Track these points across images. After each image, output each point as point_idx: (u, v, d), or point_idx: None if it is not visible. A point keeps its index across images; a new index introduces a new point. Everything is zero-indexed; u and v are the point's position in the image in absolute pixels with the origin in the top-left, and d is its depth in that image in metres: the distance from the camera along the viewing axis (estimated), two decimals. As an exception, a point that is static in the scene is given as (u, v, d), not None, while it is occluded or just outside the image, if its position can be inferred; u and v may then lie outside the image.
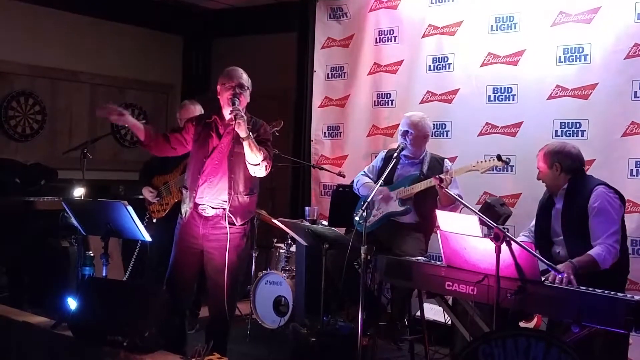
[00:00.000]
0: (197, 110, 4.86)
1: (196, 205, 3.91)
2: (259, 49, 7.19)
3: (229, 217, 3.86)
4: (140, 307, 3.67)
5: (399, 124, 4.50)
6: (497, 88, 5.08)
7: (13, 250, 5.49)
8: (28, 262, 5.54)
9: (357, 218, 3.67)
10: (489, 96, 5.12)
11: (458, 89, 5.27)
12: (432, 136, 5.03)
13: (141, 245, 5.30)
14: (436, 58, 5.40)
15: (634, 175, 4.46)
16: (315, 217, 5.35)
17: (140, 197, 5.14)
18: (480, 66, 5.16)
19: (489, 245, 3.16)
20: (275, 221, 4.64)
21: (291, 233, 4.65)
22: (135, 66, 7.24)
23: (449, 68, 5.34)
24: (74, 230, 5.09)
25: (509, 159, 4.85)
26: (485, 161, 4.04)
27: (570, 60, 4.76)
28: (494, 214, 4.15)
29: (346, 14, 6.01)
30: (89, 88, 6.92)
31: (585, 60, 4.70)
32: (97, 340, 3.67)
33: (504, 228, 3.36)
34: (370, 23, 5.81)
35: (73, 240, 5.38)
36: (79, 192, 5.22)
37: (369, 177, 4.56)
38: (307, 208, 5.48)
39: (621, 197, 3.61)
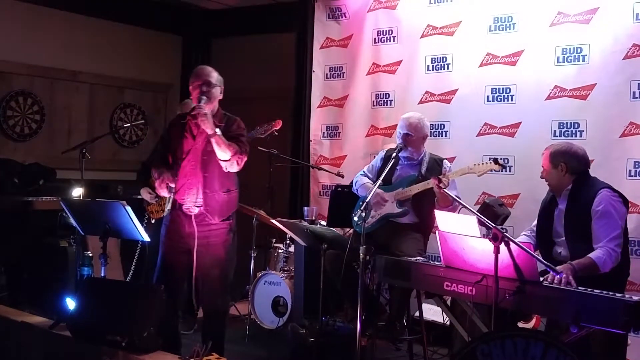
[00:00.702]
0: None
1: (180, 205, 3.95)
2: (258, 49, 7.19)
3: (206, 215, 3.92)
4: (139, 307, 3.67)
5: (397, 124, 4.50)
6: (496, 88, 5.08)
7: (11, 250, 5.49)
8: (26, 262, 5.54)
9: (355, 219, 3.67)
10: (488, 96, 5.12)
11: (457, 89, 5.28)
12: (430, 136, 5.03)
13: (141, 246, 5.30)
14: (435, 58, 5.41)
15: (632, 176, 4.47)
16: (314, 218, 5.35)
17: (139, 197, 5.14)
18: (479, 66, 5.16)
19: (487, 245, 3.16)
20: (274, 221, 4.64)
21: (290, 233, 4.65)
22: (135, 66, 7.23)
23: (448, 68, 5.34)
24: (72, 230, 5.09)
25: (507, 159, 4.89)
26: (483, 164, 4.04)
27: (569, 60, 4.76)
28: (493, 214, 4.15)
29: (345, 14, 6.01)
30: (88, 88, 6.91)
31: (583, 60, 4.70)
32: (96, 341, 3.67)
33: (502, 228, 3.36)
34: (369, 23, 5.81)
35: (72, 240, 5.38)
36: (77, 192, 5.21)
37: (368, 177, 4.55)
38: (305, 208, 5.48)
39: (625, 201, 3.60)
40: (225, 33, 7.58)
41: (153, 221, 5.00)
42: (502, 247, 3.11)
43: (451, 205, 4.14)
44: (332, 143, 6.08)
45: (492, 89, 5.10)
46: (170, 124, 4.24)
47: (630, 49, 4.51)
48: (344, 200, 4.93)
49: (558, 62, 4.81)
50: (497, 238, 3.09)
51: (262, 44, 7.18)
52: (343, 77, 6.01)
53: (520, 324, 4.08)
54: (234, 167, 3.88)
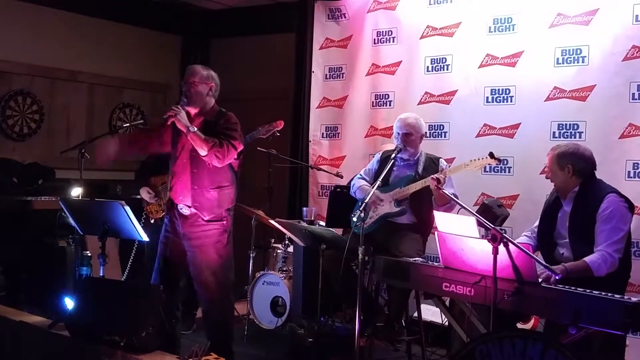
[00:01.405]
0: None
1: (175, 204, 3.97)
2: (257, 49, 7.19)
3: (194, 212, 3.93)
4: (138, 307, 3.67)
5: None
6: (495, 89, 5.08)
7: (10, 250, 5.48)
8: (25, 262, 5.54)
9: (354, 219, 3.67)
10: (487, 97, 5.12)
11: (456, 90, 5.28)
12: (430, 137, 5.06)
13: (138, 246, 5.30)
14: (434, 59, 5.40)
15: (631, 177, 4.46)
16: (312, 218, 5.35)
17: (138, 197, 5.14)
18: (479, 67, 5.16)
19: (486, 246, 3.15)
20: (272, 222, 4.64)
21: (289, 234, 4.65)
22: (134, 66, 7.23)
23: (447, 69, 5.34)
24: (71, 230, 5.09)
25: (506, 160, 4.89)
26: (479, 159, 4.04)
27: (568, 62, 4.76)
28: (492, 215, 4.15)
29: (344, 14, 6.01)
30: (87, 88, 6.91)
31: (583, 62, 4.70)
32: (94, 340, 3.68)
33: (501, 229, 3.36)
34: (368, 24, 5.81)
35: (70, 240, 5.38)
36: (76, 191, 5.21)
37: (365, 179, 4.56)
38: (304, 209, 5.47)
39: (631, 206, 3.58)
40: (224, 33, 7.58)
41: (152, 221, 4.99)
42: (501, 248, 3.10)
43: (448, 203, 4.14)
44: (331, 143, 6.08)
45: (491, 89, 5.10)
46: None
47: (630, 50, 4.51)
48: (342, 200, 4.93)
49: (557, 63, 4.81)
50: (496, 239, 3.09)
51: (261, 44, 7.18)
52: (342, 77, 6.01)
53: (519, 325, 4.08)
54: (214, 161, 3.88)
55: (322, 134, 6.12)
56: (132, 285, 4.43)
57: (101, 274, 4.07)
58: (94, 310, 3.77)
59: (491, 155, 3.94)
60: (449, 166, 4.48)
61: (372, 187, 3.95)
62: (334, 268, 4.15)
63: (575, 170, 3.63)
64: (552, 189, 3.85)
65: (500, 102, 5.06)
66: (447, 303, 3.97)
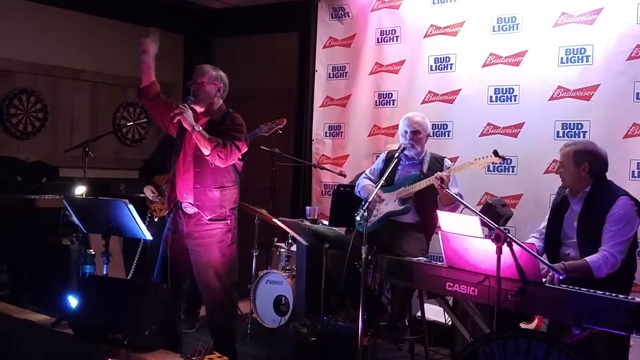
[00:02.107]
0: None
1: (180, 202, 3.97)
2: (261, 48, 7.19)
3: (196, 211, 3.93)
4: (141, 306, 3.67)
5: (399, 125, 4.49)
6: (499, 89, 5.07)
7: (14, 248, 5.50)
8: (29, 260, 5.55)
9: (357, 218, 3.67)
10: (491, 97, 5.11)
11: (460, 90, 5.27)
12: (433, 136, 5.04)
13: (143, 244, 5.31)
14: (438, 58, 5.40)
15: (635, 177, 4.46)
16: (316, 217, 5.35)
17: (142, 195, 5.15)
18: (482, 67, 5.15)
19: (490, 246, 3.15)
20: (276, 220, 4.64)
21: (292, 232, 4.65)
22: (137, 65, 7.19)
23: (451, 68, 5.33)
24: (75, 229, 5.09)
25: (510, 160, 4.88)
26: (483, 158, 4.03)
27: (572, 61, 4.75)
28: (495, 215, 4.15)
29: (348, 13, 6.00)
30: (90, 86, 6.92)
31: (587, 61, 4.69)
32: (98, 339, 3.68)
33: (505, 229, 3.35)
34: (372, 23, 5.80)
35: (74, 238, 5.38)
36: (80, 190, 5.22)
37: (370, 179, 4.56)
38: (307, 208, 5.48)
39: None
40: (227, 32, 7.58)
41: (156, 219, 5.00)
42: (505, 247, 3.10)
43: (453, 203, 4.14)
44: (334, 142, 6.08)
45: (495, 89, 5.09)
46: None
47: (634, 49, 4.50)
48: (346, 199, 4.93)
49: (562, 62, 4.80)
50: (500, 239, 3.09)
51: (264, 44, 7.18)
52: (346, 76, 6.01)
53: (522, 325, 4.07)
54: (217, 161, 3.88)
55: (326, 132, 6.12)
56: (136, 284, 4.44)
57: (105, 273, 4.07)
58: (98, 308, 3.78)
59: (495, 153, 3.93)
60: (453, 165, 4.48)
61: (376, 186, 3.94)
62: (337, 267, 4.15)
63: (590, 169, 3.59)
64: (559, 188, 3.82)
65: (504, 101, 5.05)
66: (451, 302, 3.96)
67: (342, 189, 5.21)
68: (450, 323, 4.12)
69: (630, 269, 3.55)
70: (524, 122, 4.95)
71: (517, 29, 5.01)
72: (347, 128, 5.99)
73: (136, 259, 5.43)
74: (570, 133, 4.73)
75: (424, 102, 5.43)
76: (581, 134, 4.66)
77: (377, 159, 4.81)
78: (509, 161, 4.91)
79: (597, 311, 2.98)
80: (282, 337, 4.90)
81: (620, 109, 4.54)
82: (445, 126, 5.33)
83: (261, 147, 5.35)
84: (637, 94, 4.48)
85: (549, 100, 4.83)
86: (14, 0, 6.22)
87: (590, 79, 4.66)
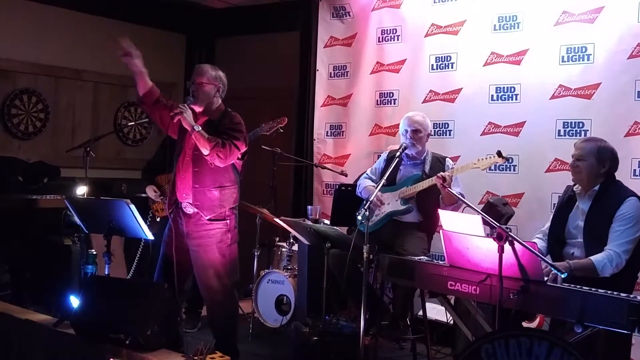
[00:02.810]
0: None
1: (179, 202, 3.97)
2: (262, 47, 7.19)
3: (195, 211, 3.94)
4: (143, 305, 3.67)
5: (400, 124, 4.50)
6: (500, 87, 5.07)
7: (15, 248, 5.50)
8: (30, 260, 5.55)
9: (359, 217, 3.67)
10: (492, 95, 5.11)
11: (461, 89, 5.27)
12: (435, 135, 5.05)
13: (144, 244, 5.31)
14: (439, 57, 5.40)
15: (636, 176, 4.45)
16: (317, 216, 5.35)
17: (143, 195, 5.15)
18: (483, 65, 5.15)
19: (491, 244, 3.15)
20: (277, 220, 4.63)
21: (293, 232, 4.65)
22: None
23: (452, 67, 5.33)
24: (76, 229, 5.10)
25: (511, 159, 4.87)
26: (486, 158, 4.03)
27: (574, 60, 4.75)
28: (497, 214, 4.15)
29: (349, 12, 6.00)
30: (91, 86, 6.92)
31: (588, 60, 4.69)
32: (100, 338, 3.68)
33: (506, 228, 3.35)
34: (373, 22, 5.80)
35: (76, 238, 5.39)
36: (81, 190, 5.22)
37: (371, 179, 4.56)
38: (309, 207, 5.47)
39: None
40: (229, 32, 7.58)
41: (158, 219, 5.01)
42: (507, 246, 3.10)
43: (456, 203, 4.14)
44: (335, 142, 6.08)
45: (496, 88, 5.09)
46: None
47: (635, 48, 4.50)
48: (347, 199, 4.93)
49: (563, 61, 4.80)
50: (502, 237, 3.08)
51: (265, 43, 7.17)
52: (347, 76, 6.01)
53: (525, 324, 4.07)
54: (216, 161, 3.88)
55: (327, 132, 6.12)
56: (138, 284, 4.44)
57: (106, 273, 4.07)
58: (100, 308, 3.78)
59: (499, 154, 3.93)
60: (455, 164, 4.48)
61: (377, 186, 3.94)
62: (338, 266, 4.15)
63: (609, 168, 3.59)
64: (566, 187, 3.81)
65: (505, 100, 5.05)
66: (452, 302, 3.96)
67: (343, 188, 5.21)
68: (452, 322, 4.12)
69: (634, 268, 3.54)
70: (525, 121, 4.95)
71: (518, 27, 5.01)
72: (348, 127, 5.99)
73: (137, 259, 5.43)
74: (571, 132, 4.72)
75: (425, 101, 5.43)
76: (582, 133, 4.66)
77: (378, 158, 4.81)
78: (510, 160, 4.90)
79: (599, 310, 2.97)
80: (283, 336, 4.91)
81: (622, 107, 4.54)
82: (446, 125, 5.33)
83: (262, 146, 5.35)
84: (638, 92, 4.47)
85: (550, 99, 4.83)
86: (15, 0, 6.23)
87: (591, 78, 4.66)
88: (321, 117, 6.14)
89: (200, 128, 3.84)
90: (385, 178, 4.00)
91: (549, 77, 4.83)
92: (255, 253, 5.22)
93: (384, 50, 5.73)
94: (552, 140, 4.77)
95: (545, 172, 4.80)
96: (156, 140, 6.95)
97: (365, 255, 3.59)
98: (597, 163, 3.59)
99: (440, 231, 3.60)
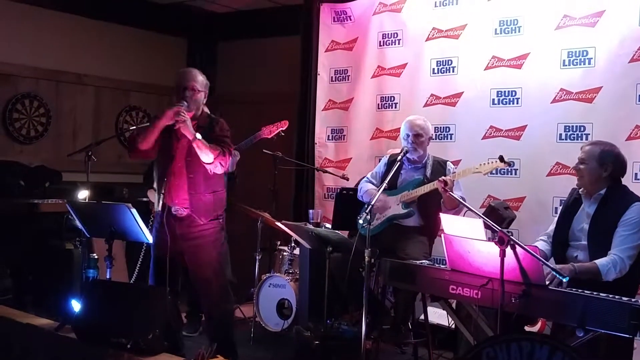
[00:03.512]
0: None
1: (169, 207, 3.97)
2: (263, 52, 7.20)
3: (192, 216, 3.96)
4: (144, 310, 3.67)
5: (401, 128, 4.50)
6: (502, 91, 5.07)
7: (17, 252, 5.50)
8: (32, 264, 5.55)
9: (360, 221, 3.67)
10: (493, 99, 5.11)
11: (462, 92, 5.27)
12: (436, 139, 5.04)
13: (146, 248, 5.30)
14: (440, 61, 5.40)
15: (638, 180, 4.45)
16: (318, 220, 5.36)
17: (145, 199, 5.14)
18: (485, 69, 5.15)
19: (493, 248, 3.15)
20: (278, 224, 4.64)
21: (295, 236, 4.65)
22: (140, 69, 7.25)
23: (453, 71, 5.33)
24: (78, 233, 5.10)
25: (512, 162, 4.87)
26: (488, 163, 4.03)
27: (575, 63, 4.75)
28: (498, 218, 4.15)
29: (350, 17, 6.01)
30: (93, 90, 6.93)
31: (589, 63, 4.69)
32: (101, 343, 3.68)
33: (508, 231, 3.34)
34: (374, 26, 5.81)
35: (77, 242, 5.39)
36: (83, 194, 5.22)
37: (372, 183, 4.56)
38: (310, 211, 5.48)
39: None
40: (230, 36, 7.59)
41: (159, 223, 4.99)
42: (508, 250, 3.10)
43: (457, 207, 4.13)
44: (337, 146, 6.08)
45: (497, 91, 5.09)
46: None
47: (636, 52, 4.50)
48: (348, 203, 4.93)
49: (564, 65, 4.80)
50: (503, 241, 3.08)
51: (266, 47, 7.18)
52: (348, 80, 6.01)
53: (526, 328, 4.07)
54: (218, 169, 3.92)
55: (328, 136, 6.12)
56: (139, 288, 4.44)
57: (108, 277, 4.07)
58: (101, 312, 3.78)
59: (501, 158, 3.93)
60: (456, 168, 4.47)
61: (378, 190, 3.94)
62: (340, 270, 4.15)
63: (612, 171, 3.58)
64: (571, 190, 3.80)
65: (506, 104, 5.05)
66: (454, 306, 3.96)
67: (344, 192, 5.21)
68: (453, 326, 4.12)
69: (636, 272, 3.53)
70: (526, 125, 4.94)
71: (519, 31, 5.01)
72: (350, 131, 5.99)
73: (139, 263, 5.43)
74: (572, 135, 4.72)
75: (426, 105, 5.43)
76: (584, 137, 4.65)
77: (379, 162, 4.81)
78: (512, 164, 4.90)
79: (601, 313, 2.97)
80: (285, 340, 4.90)
81: (623, 111, 4.53)
82: (447, 129, 5.32)
83: (264, 150, 5.35)
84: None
85: (552, 102, 4.82)
86: (16, 5, 6.24)
87: (593, 82, 4.66)
88: (322, 121, 6.14)
89: (201, 137, 3.84)
90: (386, 182, 4.00)
91: (550, 80, 4.83)
92: (257, 257, 5.22)
93: (385, 54, 5.74)
94: (554, 144, 4.77)
95: (547, 175, 4.80)
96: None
97: (366, 259, 3.59)
98: (598, 167, 3.58)
99: (442, 235, 3.59)
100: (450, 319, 4.07)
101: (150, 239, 3.99)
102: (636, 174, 4.46)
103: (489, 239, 3.40)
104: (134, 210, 3.85)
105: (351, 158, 5.96)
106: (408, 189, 4.32)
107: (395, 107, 5.68)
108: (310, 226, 4.89)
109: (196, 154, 3.89)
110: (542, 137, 4.84)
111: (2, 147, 6.24)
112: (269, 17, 7.09)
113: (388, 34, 5.72)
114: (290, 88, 6.53)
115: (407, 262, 3.88)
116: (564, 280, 3.14)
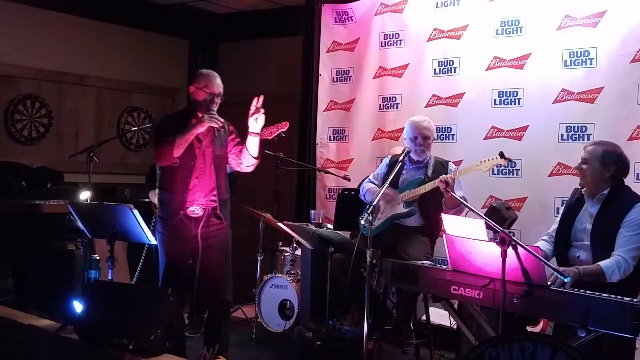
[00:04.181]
0: None
1: (185, 208, 4.00)
2: (265, 52, 7.21)
3: (218, 215, 4.07)
4: (146, 310, 3.67)
5: (404, 128, 4.49)
6: (503, 92, 5.07)
7: (19, 253, 5.50)
8: (34, 265, 5.55)
9: (362, 222, 3.67)
10: (495, 100, 5.11)
11: (463, 93, 5.27)
12: (437, 140, 5.03)
13: (148, 249, 5.31)
14: (442, 62, 5.40)
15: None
16: (320, 221, 5.36)
17: (146, 200, 5.15)
18: (486, 70, 5.15)
19: (494, 249, 3.15)
20: (280, 225, 4.64)
21: (296, 236, 4.65)
22: (141, 70, 7.25)
23: (455, 72, 5.33)
24: (80, 234, 5.11)
25: (514, 163, 4.87)
26: (489, 160, 4.03)
27: (576, 64, 4.75)
28: (500, 218, 4.14)
29: (352, 17, 6.01)
30: (95, 91, 6.94)
31: (591, 64, 4.69)
32: (103, 344, 3.67)
33: (509, 232, 3.34)
34: (375, 27, 5.81)
35: (79, 243, 5.39)
36: (85, 195, 5.23)
37: (374, 183, 4.55)
38: (312, 211, 5.48)
39: None
40: (231, 37, 7.60)
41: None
42: (510, 250, 3.10)
43: (458, 207, 4.13)
44: (338, 146, 6.08)
45: (499, 92, 5.09)
46: (166, 122, 4.20)
47: (638, 52, 4.50)
48: (350, 203, 4.94)
49: (565, 65, 4.79)
50: (505, 242, 3.08)
51: (268, 48, 7.19)
52: (349, 80, 6.01)
53: (528, 328, 4.07)
54: (252, 167, 4.18)
55: (330, 136, 6.13)
56: (141, 289, 4.44)
57: (109, 277, 4.07)
58: (103, 313, 3.77)
59: (501, 155, 3.92)
60: (457, 168, 4.47)
61: (380, 189, 3.94)
62: (342, 271, 4.15)
63: (615, 172, 3.57)
64: (574, 189, 3.80)
65: (508, 104, 5.05)
66: (456, 306, 3.96)
67: (346, 192, 5.21)
68: (455, 327, 4.11)
69: (639, 272, 3.52)
70: (528, 125, 4.94)
71: (520, 32, 5.01)
72: (351, 132, 5.99)
73: (141, 264, 5.43)
74: (574, 136, 4.72)
75: (427, 105, 5.43)
76: (585, 137, 4.65)
77: (381, 162, 4.81)
78: (513, 164, 4.89)
79: (603, 314, 2.97)
80: (287, 341, 4.90)
81: (625, 111, 4.53)
82: (449, 129, 5.32)
83: (265, 151, 5.34)
84: (641, 96, 4.48)
85: (553, 103, 4.82)
86: (18, 6, 6.25)
87: (594, 82, 4.66)
88: (324, 122, 6.14)
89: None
90: (388, 181, 4.00)
91: (552, 81, 4.83)
92: (259, 258, 5.22)
93: (387, 54, 5.74)
94: (555, 144, 4.77)
95: (549, 176, 4.80)
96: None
97: (368, 259, 3.59)
98: (601, 167, 3.58)
99: (444, 235, 3.59)
100: (452, 320, 4.06)
101: (152, 240, 3.99)
102: (638, 174, 4.46)
103: (490, 240, 3.40)
104: (135, 211, 3.86)
105: (353, 159, 5.96)
106: (409, 188, 4.32)
107: (397, 108, 5.68)
108: (312, 227, 4.89)
109: (221, 156, 4.07)
110: (543, 138, 4.84)
111: (4, 148, 6.25)
112: (270, 18, 7.10)
113: (389, 34, 5.73)
114: (292, 89, 6.53)
115: (409, 263, 3.88)
116: (566, 280, 3.14)
